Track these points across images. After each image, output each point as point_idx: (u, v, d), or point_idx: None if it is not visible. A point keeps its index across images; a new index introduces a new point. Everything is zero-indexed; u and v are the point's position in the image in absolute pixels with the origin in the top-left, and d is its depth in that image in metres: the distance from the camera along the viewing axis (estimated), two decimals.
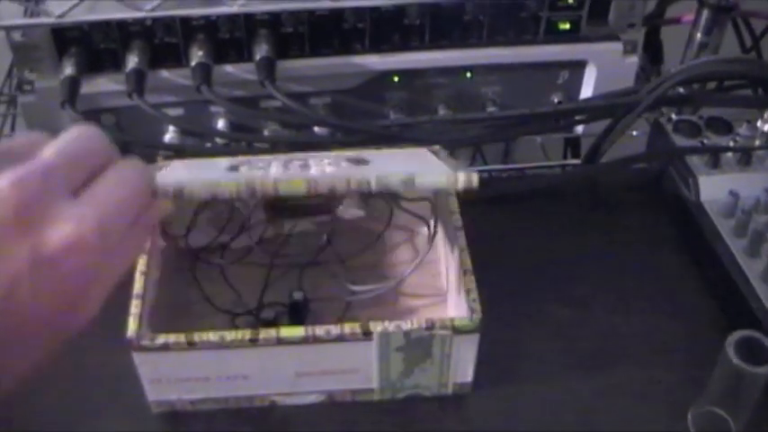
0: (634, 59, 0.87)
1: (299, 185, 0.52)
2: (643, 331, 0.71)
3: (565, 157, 1.09)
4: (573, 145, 1.07)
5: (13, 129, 0.89)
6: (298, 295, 0.66)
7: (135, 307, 0.59)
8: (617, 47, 0.86)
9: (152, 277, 0.63)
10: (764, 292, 0.69)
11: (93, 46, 0.79)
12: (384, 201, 0.71)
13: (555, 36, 0.86)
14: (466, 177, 0.55)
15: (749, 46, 0.98)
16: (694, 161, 0.79)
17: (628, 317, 0.72)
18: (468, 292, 0.61)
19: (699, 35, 0.90)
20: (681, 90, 0.85)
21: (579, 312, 0.72)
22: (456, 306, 0.64)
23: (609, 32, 0.87)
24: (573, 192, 0.84)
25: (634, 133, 0.89)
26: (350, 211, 0.72)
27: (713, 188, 0.77)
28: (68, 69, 0.78)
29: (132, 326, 0.58)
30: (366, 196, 0.71)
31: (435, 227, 0.71)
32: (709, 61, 0.85)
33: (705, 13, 0.88)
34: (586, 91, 0.89)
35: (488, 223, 0.71)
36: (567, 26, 0.86)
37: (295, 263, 0.70)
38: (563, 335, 0.70)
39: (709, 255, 0.74)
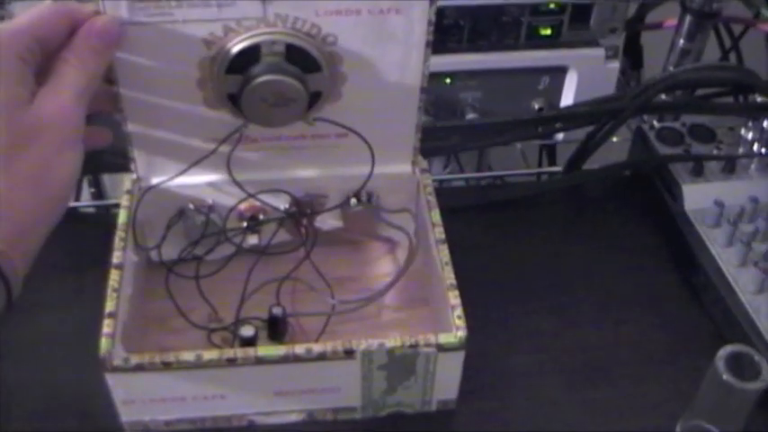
0: (615, 65, 0.87)
1: None
2: (629, 343, 0.70)
3: (540, 164, 1.08)
4: (550, 151, 1.06)
5: None
6: (276, 310, 0.64)
7: (107, 326, 0.57)
8: (598, 52, 0.86)
9: (124, 293, 0.61)
10: (750, 302, 0.68)
11: None
12: (364, 211, 0.69)
13: (536, 41, 0.85)
14: None
15: (728, 47, 0.98)
16: (678, 169, 0.78)
17: (614, 328, 0.71)
18: (452, 308, 0.59)
19: (681, 41, 0.89)
20: (663, 97, 0.84)
21: (565, 324, 0.71)
22: (440, 321, 0.63)
23: (590, 38, 0.86)
24: (555, 200, 0.83)
25: (615, 140, 0.88)
26: (329, 222, 0.70)
27: (697, 197, 0.76)
28: None
29: (105, 345, 0.56)
30: (345, 207, 0.69)
31: (417, 239, 0.69)
32: (692, 68, 0.85)
33: (688, 19, 0.87)
34: (567, 96, 0.88)
35: (470, 232, 0.70)
36: (549, 31, 0.85)
37: (273, 276, 0.68)
38: (548, 347, 0.69)
39: (695, 264, 0.73)
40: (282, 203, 0.69)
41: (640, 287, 0.74)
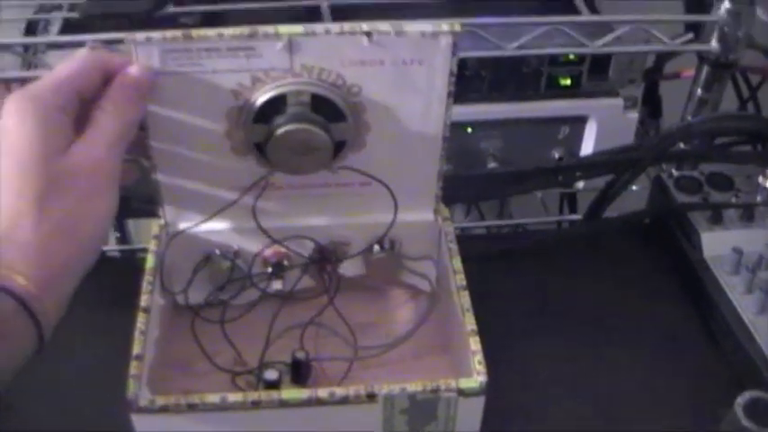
0: (634, 115, 0.88)
1: None
2: (648, 389, 0.70)
3: (561, 212, 1.09)
4: (570, 199, 1.07)
5: None
6: (300, 355, 0.65)
7: (134, 368, 0.58)
8: (617, 102, 0.87)
9: (151, 336, 0.62)
10: None
11: None
12: (387, 259, 0.70)
13: (556, 91, 0.87)
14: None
15: (746, 97, 0.99)
16: (696, 217, 0.79)
17: (632, 373, 0.71)
18: (473, 353, 0.60)
19: (699, 91, 0.90)
20: (681, 145, 0.85)
21: (584, 371, 0.71)
22: (461, 366, 0.63)
23: (609, 88, 0.87)
24: (574, 248, 0.83)
25: (634, 188, 0.89)
26: (352, 269, 0.71)
27: (716, 244, 0.77)
28: None
29: (131, 387, 0.57)
30: (368, 254, 0.71)
31: (438, 286, 0.70)
32: (709, 118, 0.86)
33: (705, 70, 0.89)
34: (587, 146, 0.89)
35: (490, 280, 0.70)
36: (568, 81, 0.86)
37: (297, 321, 0.69)
38: (567, 393, 0.69)
39: (714, 311, 0.73)
40: (307, 250, 0.70)
41: (659, 334, 0.75)
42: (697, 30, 0.87)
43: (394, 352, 0.66)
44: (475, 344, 0.60)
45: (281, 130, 0.60)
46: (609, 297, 0.78)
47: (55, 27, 0.83)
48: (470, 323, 0.62)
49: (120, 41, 0.72)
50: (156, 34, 0.58)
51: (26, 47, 0.80)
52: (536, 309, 0.76)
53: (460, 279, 0.65)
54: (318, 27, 0.59)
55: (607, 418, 0.68)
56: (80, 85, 0.55)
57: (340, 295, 0.70)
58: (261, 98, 0.60)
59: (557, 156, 0.90)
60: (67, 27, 0.83)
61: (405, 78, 0.61)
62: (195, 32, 0.58)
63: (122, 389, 0.57)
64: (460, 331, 0.63)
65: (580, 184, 0.92)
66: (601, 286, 0.79)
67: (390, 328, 0.68)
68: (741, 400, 0.58)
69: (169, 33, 0.58)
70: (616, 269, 0.81)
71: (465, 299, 0.64)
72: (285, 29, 0.58)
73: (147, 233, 0.69)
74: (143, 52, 0.58)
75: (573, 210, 1.06)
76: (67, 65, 0.55)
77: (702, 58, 0.88)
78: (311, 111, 0.60)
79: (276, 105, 0.60)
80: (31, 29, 0.87)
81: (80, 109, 0.55)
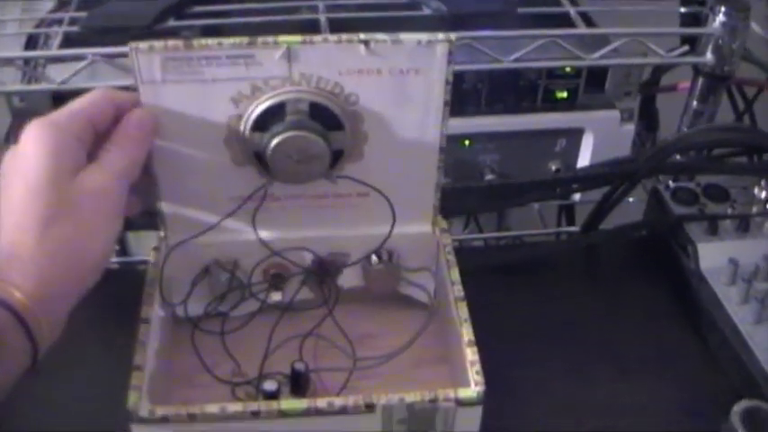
0: (630, 127, 0.88)
1: None
2: (645, 401, 0.70)
3: (559, 224, 1.10)
4: (567, 211, 1.08)
5: None
6: (299, 366, 0.65)
7: (135, 379, 0.58)
8: (614, 115, 0.87)
9: (151, 347, 0.62)
10: (766, 360, 0.68)
11: None
12: (385, 270, 0.71)
13: (552, 104, 0.87)
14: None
15: (742, 110, 1.00)
16: (693, 229, 0.79)
17: (629, 385, 0.72)
18: (471, 364, 0.60)
19: (695, 103, 0.91)
20: (678, 157, 0.85)
21: (580, 383, 0.71)
22: (458, 377, 0.63)
23: (606, 101, 0.88)
24: (571, 260, 0.84)
25: (630, 200, 0.89)
26: (350, 280, 0.72)
27: (712, 256, 0.77)
28: None
29: (132, 397, 0.57)
30: (367, 265, 0.71)
31: (436, 297, 0.70)
32: (705, 130, 0.87)
33: (701, 82, 0.89)
34: (584, 158, 0.90)
35: (488, 292, 0.70)
36: (565, 94, 0.87)
37: (295, 332, 0.70)
38: (565, 406, 0.70)
39: (710, 323, 0.74)
40: (306, 261, 0.71)
41: (656, 345, 0.75)
42: (693, 42, 0.87)
43: (392, 363, 0.66)
44: (472, 354, 0.61)
45: (279, 138, 0.61)
46: (604, 309, 0.79)
47: (56, 41, 0.83)
48: (468, 334, 0.62)
49: (121, 55, 0.73)
50: (157, 43, 0.59)
51: (27, 60, 0.80)
52: (533, 321, 0.77)
53: (458, 290, 0.66)
54: (317, 37, 0.60)
55: (601, 430, 0.68)
56: (94, 116, 0.58)
57: (339, 307, 0.71)
58: (260, 107, 0.61)
59: (554, 168, 0.90)
60: (68, 41, 0.84)
61: (402, 87, 0.62)
62: (196, 41, 0.59)
63: (122, 400, 0.57)
64: (458, 342, 0.63)
65: (577, 197, 0.92)
66: (596, 298, 0.80)
67: (389, 339, 0.68)
68: (738, 408, 0.59)
69: (170, 42, 0.59)
70: (613, 281, 0.82)
71: (463, 310, 0.64)
72: (284, 38, 0.59)
73: (146, 245, 0.70)
74: (144, 61, 0.59)
75: (570, 222, 1.07)
76: (83, 98, 0.59)
77: (698, 70, 0.89)
78: (309, 119, 0.61)
79: (275, 114, 0.61)
80: (31, 43, 0.87)
81: (93, 142, 0.58)
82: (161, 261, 0.67)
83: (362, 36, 0.60)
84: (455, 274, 0.67)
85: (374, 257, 0.71)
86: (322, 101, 0.61)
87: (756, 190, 0.82)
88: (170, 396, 0.65)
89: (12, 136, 0.85)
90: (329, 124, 0.62)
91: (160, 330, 0.65)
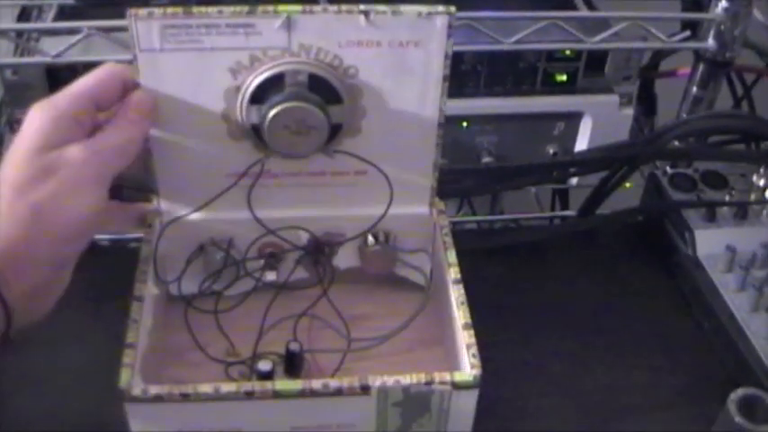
0: (629, 112, 0.88)
1: None
2: (641, 386, 0.70)
3: (553, 208, 1.09)
4: (561, 195, 1.07)
5: None
6: (294, 346, 0.64)
7: (127, 357, 0.57)
8: (613, 99, 0.87)
9: (144, 325, 0.61)
10: (762, 347, 0.68)
11: None
12: (381, 251, 0.70)
13: (551, 87, 0.87)
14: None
15: (741, 96, 0.99)
16: (690, 215, 0.79)
17: (625, 371, 0.71)
18: (467, 347, 0.60)
19: (695, 89, 0.90)
20: (676, 143, 0.85)
21: (576, 367, 0.71)
22: (454, 360, 0.63)
23: (605, 85, 0.87)
24: (568, 244, 0.83)
25: (628, 185, 0.89)
26: (346, 260, 0.71)
27: (710, 242, 0.77)
28: None
29: (125, 376, 0.56)
30: (363, 246, 0.70)
31: (433, 278, 0.70)
32: (705, 116, 0.86)
33: (701, 68, 0.89)
34: (582, 142, 0.89)
35: (484, 275, 0.70)
36: (564, 78, 0.86)
37: (290, 312, 0.69)
38: (561, 389, 0.70)
39: (707, 309, 0.74)
40: (301, 241, 0.70)
41: (652, 331, 0.75)
42: (694, 28, 0.87)
43: (387, 344, 0.65)
44: (469, 337, 0.60)
45: (278, 108, 0.60)
46: (601, 294, 0.78)
47: (50, 13, 0.82)
48: (465, 316, 0.62)
49: (117, 29, 0.72)
50: (156, 9, 0.58)
51: (20, 33, 0.79)
52: (527, 305, 0.76)
53: (455, 272, 0.65)
54: (316, 6, 0.59)
55: (598, 416, 0.68)
56: (98, 95, 0.58)
57: (334, 287, 0.70)
58: (258, 78, 0.61)
59: (551, 151, 0.89)
60: (63, 13, 0.83)
61: (401, 60, 0.61)
62: (196, 9, 0.58)
63: (115, 378, 0.56)
64: (454, 324, 0.63)
65: (574, 181, 0.92)
66: (593, 283, 0.79)
67: (384, 321, 0.67)
68: (734, 396, 0.58)
69: (170, 9, 0.58)
70: (609, 266, 0.82)
71: (459, 292, 0.64)
72: (284, 7, 0.59)
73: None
74: (143, 28, 0.58)
75: (564, 206, 1.06)
76: (88, 76, 0.59)
77: (699, 56, 0.89)
78: (308, 91, 0.61)
79: (273, 85, 0.61)
80: (25, 15, 0.86)
81: (95, 120, 0.58)
82: (155, 238, 0.67)
83: (362, 7, 0.60)
84: (452, 256, 0.67)
85: (370, 238, 0.70)
86: (321, 72, 0.61)
87: (755, 177, 0.82)
88: (162, 374, 0.64)
89: (4, 109, 0.84)
90: (328, 97, 0.61)
91: (153, 308, 0.64)
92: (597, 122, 0.88)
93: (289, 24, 0.59)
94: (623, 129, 0.88)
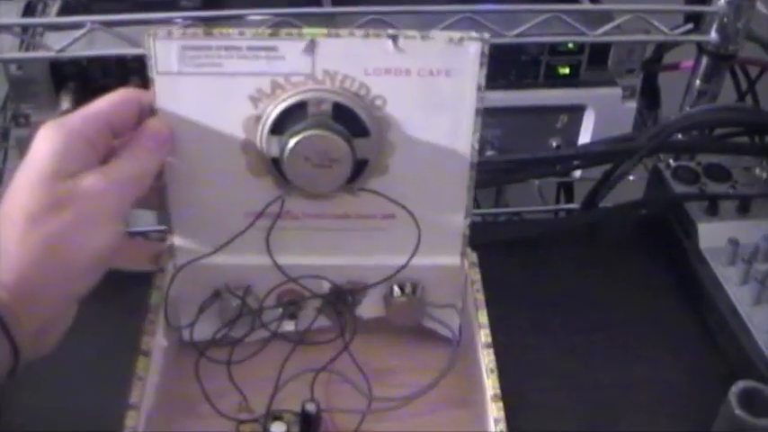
0: (632, 105, 0.88)
1: None
2: (643, 380, 0.70)
3: (557, 201, 1.09)
4: (566, 188, 1.07)
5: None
6: (310, 407, 0.60)
7: (130, 419, 0.54)
8: (616, 92, 0.87)
9: (151, 382, 0.58)
10: (765, 341, 0.68)
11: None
12: (407, 302, 0.67)
13: (554, 80, 0.86)
14: None
15: (744, 89, 0.99)
16: (693, 208, 0.79)
17: (627, 364, 0.71)
18: (496, 421, 0.56)
19: (698, 82, 0.90)
20: (680, 136, 0.85)
21: (578, 361, 0.71)
22: (481, 429, 0.60)
23: (608, 78, 0.87)
24: (571, 237, 0.83)
25: (631, 178, 0.89)
26: (370, 310, 0.68)
27: (712, 235, 0.77)
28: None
29: None
30: (388, 297, 0.67)
31: (462, 335, 0.67)
32: (709, 109, 0.86)
33: (704, 61, 0.89)
34: (585, 135, 0.89)
35: (485, 269, 0.70)
36: (567, 71, 0.86)
37: (309, 365, 0.65)
38: (562, 384, 0.70)
39: (709, 303, 0.74)
40: (322, 289, 0.66)
41: (654, 324, 0.75)
42: (697, 20, 0.87)
43: (410, 405, 0.63)
44: (498, 410, 0.57)
45: (299, 137, 0.57)
46: (604, 287, 0.78)
47: (54, 8, 0.82)
48: (494, 387, 0.58)
49: (120, 23, 0.72)
50: (176, 29, 0.56)
51: (24, 28, 0.79)
52: (529, 298, 0.76)
53: (485, 335, 0.61)
54: (342, 30, 0.57)
55: (600, 410, 0.68)
56: (113, 118, 0.56)
57: (356, 338, 0.66)
58: (280, 106, 0.58)
59: (554, 144, 0.89)
60: (67, 8, 0.83)
61: (431, 91, 0.58)
62: (216, 30, 0.56)
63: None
64: (482, 393, 0.59)
65: (577, 173, 0.92)
66: (596, 276, 0.79)
67: (408, 376, 0.64)
68: (735, 389, 0.58)
69: (189, 30, 0.56)
70: (612, 259, 0.82)
71: (490, 358, 0.60)
72: (308, 30, 0.57)
73: (143, 220, 0.68)
74: (161, 48, 0.56)
75: (569, 199, 1.06)
76: (103, 99, 0.56)
77: (702, 49, 0.88)
78: (333, 121, 0.58)
79: (296, 115, 0.58)
80: (29, 9, 0.86)
81: (110, 145, 0.56)
82: (167, 284, 0.63)
83: (390, 31, 0.57)
84: (483, 316, 0.62)
85: (396, 289, 0.67)
86: (346, 102, 0.57)
87: (758, 170, 0.82)
88: (169, 426, 0.62)
89: (8, 104, 0.84)
90: (353, 129, 0.58)
91: (162, 361, 0.61)
92: (600, 115, 0.88)
93: (313, 48, 0.56)
94: (626, 122, 0.88)
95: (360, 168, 0.60)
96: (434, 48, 0.57)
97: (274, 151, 0.59)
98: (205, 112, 0.58)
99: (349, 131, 0.58)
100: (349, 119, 0.58)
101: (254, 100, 0.58)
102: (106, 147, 0.55)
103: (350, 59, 0.57)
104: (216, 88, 0.57)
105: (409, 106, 0.59)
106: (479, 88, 0.58)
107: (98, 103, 0.56)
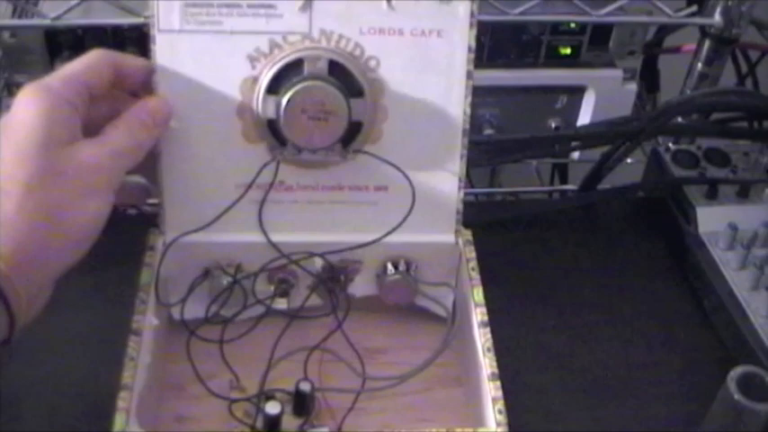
0: (633, 87, 0.88)
1: None
2: (640, 363, 0.70)
3: (552, 182, 1.09)
4: (561, 169, 1.07)
5: None
6: (304, 386, 0.59)
7: (122, 400, 0.54)
8: (617, 74, 0.86)
9: (143, 362, 0.57)
10: (762, 326, 0.68)
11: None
12: (401, 280, 0.66)
13: (555, 60, 0.86)
14: None
15: (745, 73, 0.99)
16: (692, 192, 0.79)
17: (624, 348, 0.71)
18: (493, 401, 0.56)
19: (700, 65, 0.90)
20: (680, 120, 0.85)
21: (575, 344, 0.71)
22: (476, 407, 0.60)
23: (608, 59, 0.87)
24: (568, 219, 0.83)
25: (630, 160, 0.89)
26: (363, 288, 0.68)
27: (711, 220, 0.77)
28: None
29: (119, 422, 0.53)
30: (381, 275, 0.67)
31: (456, 313, 0.65)
32: (710, 92, 0.85)
33: (707, 44, 0.88)
34: (584, 116, 0.89)
35: (483, 249, 0.69)
36: (568, 51, 0.86)
37: (301, 343, 0.64)
38: (559, 366, 0.69)
39: (707, 287, 0.73)
40: (315, 267, 0.66)
41: (652, 308, 0.75)
42: (700, 3, 0.86)
43: (404, 384, 0.61)
44: (495, 389, 0.56)
45: (296, 87, 0.58)
46: (601, 270, 0.78)
47: None
48: (491, 365, 0.58)
49: None
50: None
51: None
52: (526, 279, 0.76)
53: (481, 314, 0.61)
54: None
55: (598, 393, 0.68)
56: (90, 80, 0.55)
57: (350, 317, 0.66)
58: (277, 65, 0.59)
59: (553, 125, 0.89)
60: None
61: (424, 52, 0.60)
62: None
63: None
64: (478, 372, 0.59)
65: (576, 155, 0.91)
66: (593, 259, 0.79)
67: (402, 355, 0.64)
68: (734, 374, 0.58)
69: None
70: (610, 242, 0.81)
71: (486, 337, 0.60)
72: None
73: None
74: (165, 6, 0.57)
75: (564, 180, 1.06)
76: (79, 60, 0.56)
77: (705, 32, 0.88)
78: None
79: (292, 73, 0.59)
80: None
81: (90, 107, 0.56)
82: (157, 262, 0.62)
83: None
84: (479, 294, 0.62)
85: (390, 267, 0.66)
86: (342, 60, 0.59)
87: (757, 155, 0.82)
88: (161, 408, 0.62)
89: (1, 73, 0.83)
90: (349, 88, 0.59)
91: (153, 341, 0.60)
92: (600, 97, 0.87)
93: (310, 7, 0.58)
94: (626, 104, 0.88)
95: (354, 132, 0.60)
96: (426, 8, 0.59)
97: (270, 112, 0.59)
98: (204, 72, 0.59)
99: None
100: (344, 77, 0.59)
101: (252, 60, 0.59)
102: (84, 108, 0.55)
103: (345, 18, 0.59)
104: (215, 47, 0.58)
105: (402, 68, 0.60)
106: (470, 49, 0.60)
107: (74, 65, 0.56)
